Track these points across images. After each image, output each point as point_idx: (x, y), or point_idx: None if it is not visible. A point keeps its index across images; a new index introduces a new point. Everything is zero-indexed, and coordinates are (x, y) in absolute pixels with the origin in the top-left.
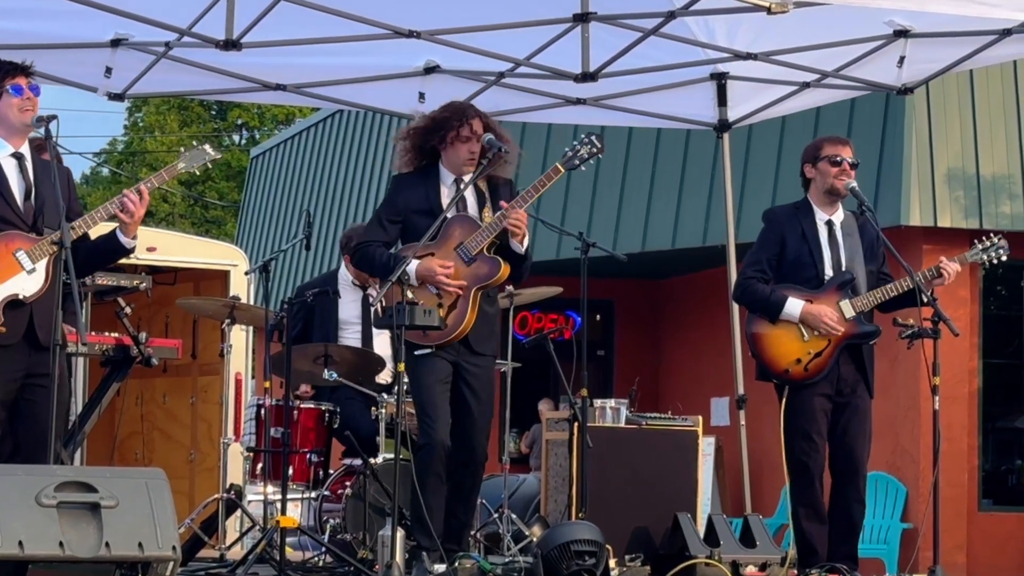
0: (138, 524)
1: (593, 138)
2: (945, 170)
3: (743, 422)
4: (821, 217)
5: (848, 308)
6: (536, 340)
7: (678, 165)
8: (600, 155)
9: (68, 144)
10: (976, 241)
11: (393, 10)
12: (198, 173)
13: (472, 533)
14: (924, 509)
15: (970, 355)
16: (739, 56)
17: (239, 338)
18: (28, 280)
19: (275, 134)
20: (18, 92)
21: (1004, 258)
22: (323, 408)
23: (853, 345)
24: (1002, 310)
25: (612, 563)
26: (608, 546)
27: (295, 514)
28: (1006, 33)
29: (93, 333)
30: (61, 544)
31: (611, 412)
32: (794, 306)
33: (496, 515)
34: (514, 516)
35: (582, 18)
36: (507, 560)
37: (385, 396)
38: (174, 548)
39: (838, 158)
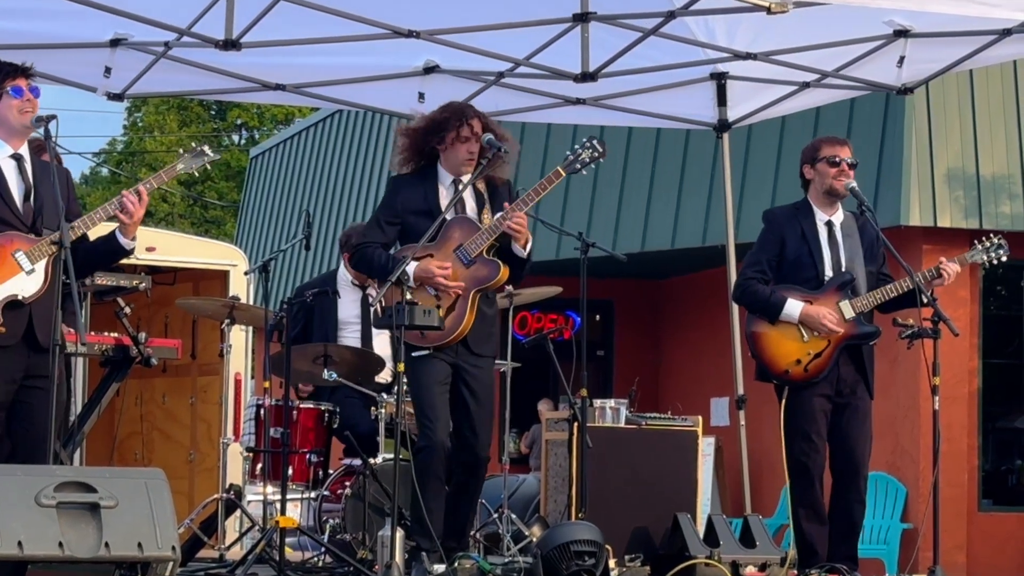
0: (137, 524)
1: (595, 142)
2: (945, 170)
3: (743, 422)
4: (821, 218)
5: (848, 309)
6: (536, 340)
7: (678, 165)
8: (602, 159)
9: (67, 144)
10: (976, 242)
11: (392, 10)
12: (197, 174)
13: (472, 533)
14: (924, 509)
15: (970, 355)
16: (739, 56)
17: (239, 338)
18: (27, 281)
19: (274, 134)
20: (18, 94)
21: (1004, 259)
22: (323, 408)
23: (853, 346)
24: (1002, 310)
25: (612, 563)
26: (608, 546)
27: (294, 514)
28: (1006, 33)
29: (92, 333)
30: (60, 544)
31: (611, 412)
32: (793, 307)
33: (496, 515)
34: (514, 516)
35: (582, 18)
36: (507, 560)
37: (385, 396)
38: (173, 548)
39: (836, 159)
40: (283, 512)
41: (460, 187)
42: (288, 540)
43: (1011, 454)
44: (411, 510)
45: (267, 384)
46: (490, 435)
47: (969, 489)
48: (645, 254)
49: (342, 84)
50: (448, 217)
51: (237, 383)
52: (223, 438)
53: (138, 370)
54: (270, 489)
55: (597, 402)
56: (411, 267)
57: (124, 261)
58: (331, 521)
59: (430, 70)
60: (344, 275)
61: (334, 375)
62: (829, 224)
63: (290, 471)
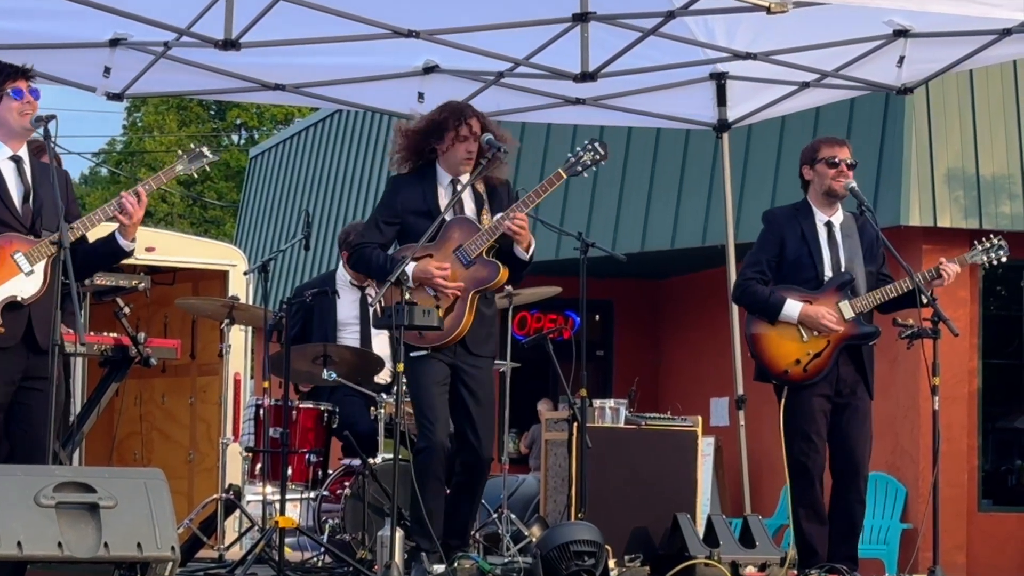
0: (137, 524)
1: (596, 144)
2: (945, 170)
3: (742, 422)
4: (820, 218)
5: (847, 309)
6: (535, 340)
7: (677, 165)
8: (603, 162)
9: (67, 144)
10: (976, 242)
11: (392, 10)
12: (196, 175)
13: (471, 533)
14: (924, 509)
15: (970, 355)
16: (738, 56)
17: (238, 338)
18: (26, 282)
19: (274, 134)
20: (18, 96)
21: (1004, 259)
22: (322, 408)
23: (852, 346)
24: (1002, 310)
25: (611, 563)
26: (607, 546)
27: (294, 514)
28: (1006, 33)
29: (92, 333)
30: (60, 544)
31: (610, 412)
32: (793, 307)
33: (495, 515)
34: (513, 516)
35: (581, 18)
36: (506, 560)
37: (384, 396)
38: (173, 548)
39: (835, 159)
40: (282, 512)
41: (459, 187)
42: (287, 540)
43: (1011, 454)
44: (411, 510)
45: (266, 384)
46: (491, 435)
47: (969, 489)
48: (645, 254)
49: (342, 84)
50: (447, 217)
51: (236, 383)
52: (222, 438)
53: (137, 370)
54: (269, 489)
55: (597, 402)
56: (410, 267)
57: (123, 261)
58: (330, 521)
59: (430, 70)
60: (343, 275)
61: (333, 375)
62: (829, 224)
63: (289, 471)
